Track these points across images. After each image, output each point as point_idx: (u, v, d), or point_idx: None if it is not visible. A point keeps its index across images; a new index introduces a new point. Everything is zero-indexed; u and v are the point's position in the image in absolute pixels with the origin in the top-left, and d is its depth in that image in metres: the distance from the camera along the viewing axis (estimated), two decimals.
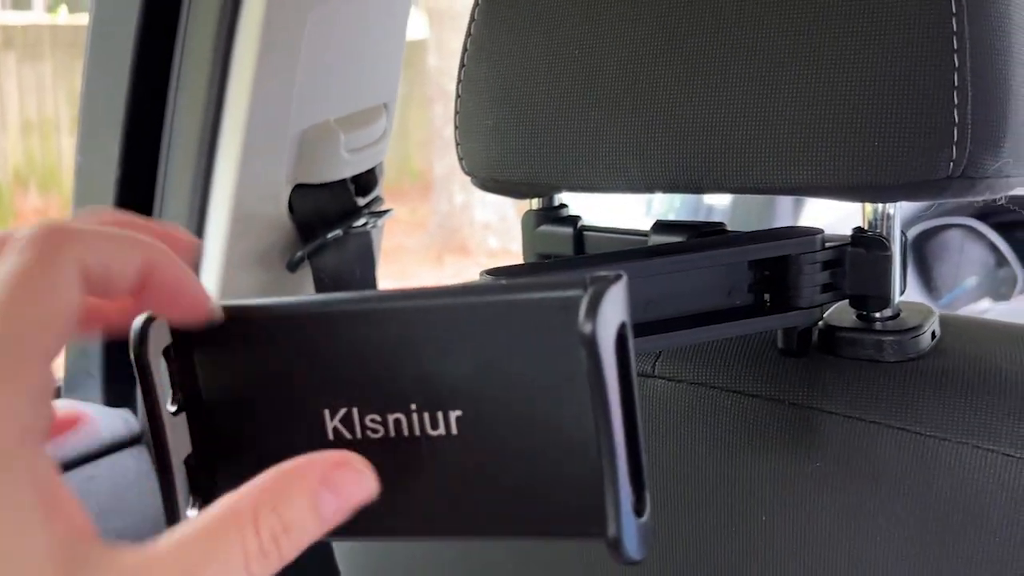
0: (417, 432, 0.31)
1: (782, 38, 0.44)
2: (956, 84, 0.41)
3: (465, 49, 0.55)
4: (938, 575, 0.43)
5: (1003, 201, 0.48)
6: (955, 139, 0.41)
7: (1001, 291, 1.71)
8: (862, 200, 0.46)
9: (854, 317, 0.48)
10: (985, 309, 1.60)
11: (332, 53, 0.69)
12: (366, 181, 0.79)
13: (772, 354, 0.48)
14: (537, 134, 0.51)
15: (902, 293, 0.48)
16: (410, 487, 0.31)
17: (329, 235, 0.72)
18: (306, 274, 0.74)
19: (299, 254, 0.72)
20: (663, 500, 0.50)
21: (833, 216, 1.70)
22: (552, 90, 0.51)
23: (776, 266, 0.47)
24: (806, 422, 0.46)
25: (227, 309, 0.31)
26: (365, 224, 0.72)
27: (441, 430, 0.30)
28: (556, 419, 0.29)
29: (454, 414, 0.30)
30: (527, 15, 0.51)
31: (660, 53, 0.47)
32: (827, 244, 0.47)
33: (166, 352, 0.31)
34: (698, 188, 0.48)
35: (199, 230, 0.70)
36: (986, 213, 1.69)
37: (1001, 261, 1.75)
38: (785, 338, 0.48)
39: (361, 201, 0.77)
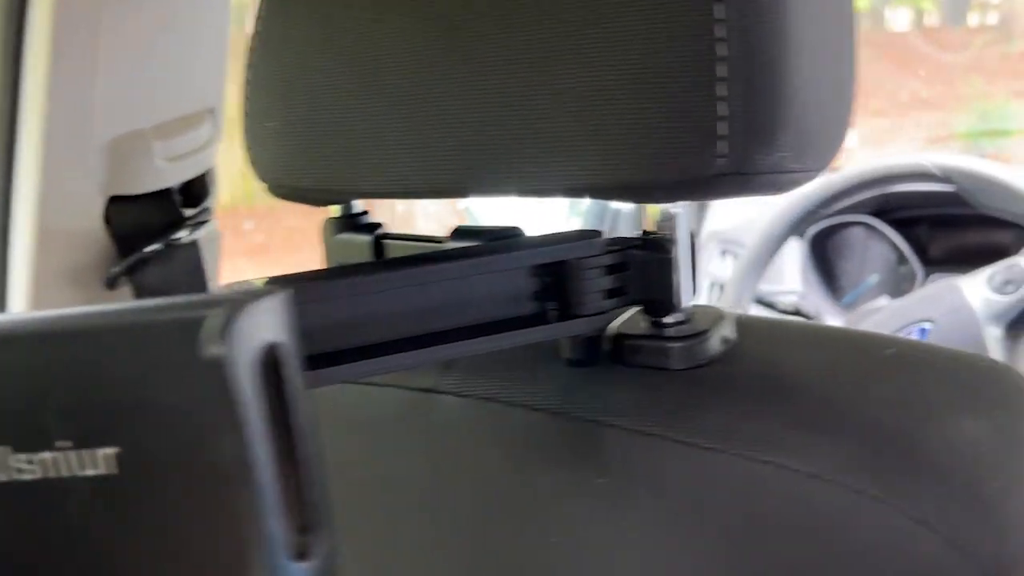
0: (68, 473, 0.27)
1: (552, 35, 0.41)
2: (722, 76, 0.39)
3: (252, 47, 0.51)
4: None
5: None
6: (722, 134, 0.39)
7: (902, 288, 1.71)
8: (638, 201, 0.43)
9: (645, 324, 0.46)
10: (880, 307, 1.60)
11: (139, 57, 0.66)
12: (198, 191, 0.75)
13: (559, 366, 0.46)
14: (322, 137, 0.48)
15: (693, 296, 0.46)
16: (64, 532, 0.27)
17: (147, 249, 0.68)
18: (127, 292, 0.70)
19: (114, 270, 0.68)
20: (455, 521, 0.47)
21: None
22: (336, 90, 0.48)
23: (558, 272, 0.44)
24: (590, 436, 0.43)
25: None
26: (185, 236, 0.68)
27: (94, 469, 0.27)
28: (213, 453, 0.26)
29: (108, 451, 0.27)
30: (312, 9, 0.48)
31: (441, 51, 0.44)
32: (611, 248, 0.44)
33: None
34: (478, 192, 0.45)
35: (2, 247, 0.66)
36: (885, 210, 1.69)
37: (902, 258, 1.76)
38: (571, 348, 0.45)
39: (190, 212, 0.73)
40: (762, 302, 1.63)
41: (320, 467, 0.27)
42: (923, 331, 1.32)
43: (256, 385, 0.25)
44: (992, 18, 3.77)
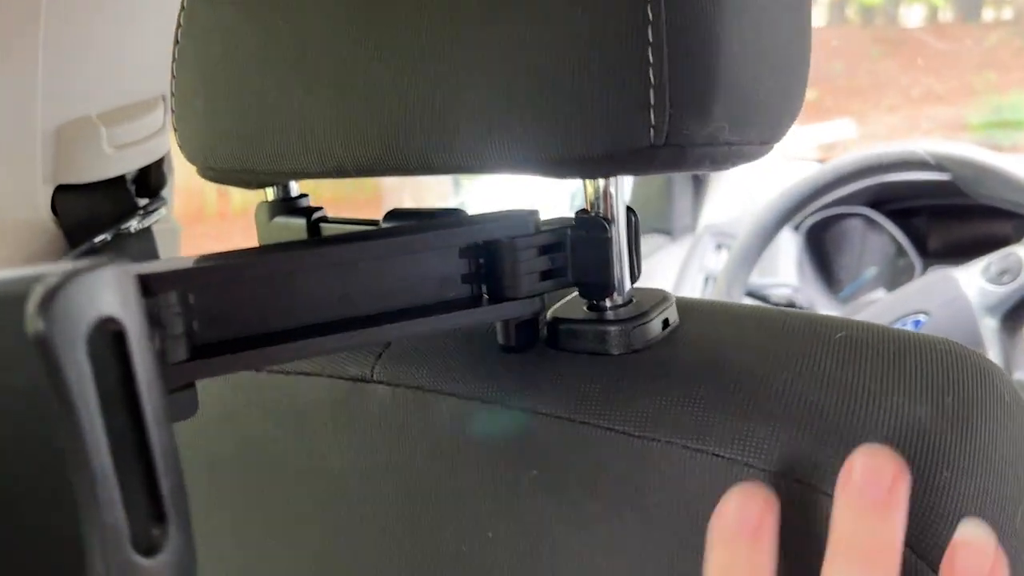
0: None
1: (476, 3, 0.39)
2: (650, 40, 0.37)
3: (179, 24, 0.49)
4: None
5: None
6: (652, 102, 0.37)
7: (901, 281, 1.68)
8: (570, 176, 0.41)
9: (584, 308, 0.43)
10: (875, 300, 1.57)
11: (85, 41, 0.64)
12: (155, 180, 0.73)
13: (495, 353, 0.44)
14: (247, 116, 0.46)
15: (635, 279, 0.44)
16: None
17: (97, 239, 0.66)
18: None
19: (62, 261, 0.66)
20: (387, 515, 0.45)
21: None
22: (260, 67, 0.45)
23: (490, 253, 0.42)
24: (519, 426, 0.41)
25: None
26: (133, 224, 0.66)
27: None
28: (50, 438, 0.24)
29: None
30: None
31: (364, 22, 0.42)
32: (545, 227, 0.42)
33: None
34: (406, 170, 0.43)
35: None
36: (882, 201, 1.66)
37: (900, 251, 1.73)
38: (504, 333, 0.43)
39: (144, 202, 0.71)
40: (755, 295, 1.60)
41: (174, 454, 0.25)
42: (917, 323, 1.30)
43: (87, 363, 0.22)
44: (1007, 13, 3.73)
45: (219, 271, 0.37)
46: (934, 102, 3.31)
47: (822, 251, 1.75)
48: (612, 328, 0.42)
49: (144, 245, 0.69)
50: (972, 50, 3.46)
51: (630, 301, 0.43)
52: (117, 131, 0.66)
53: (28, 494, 0.24)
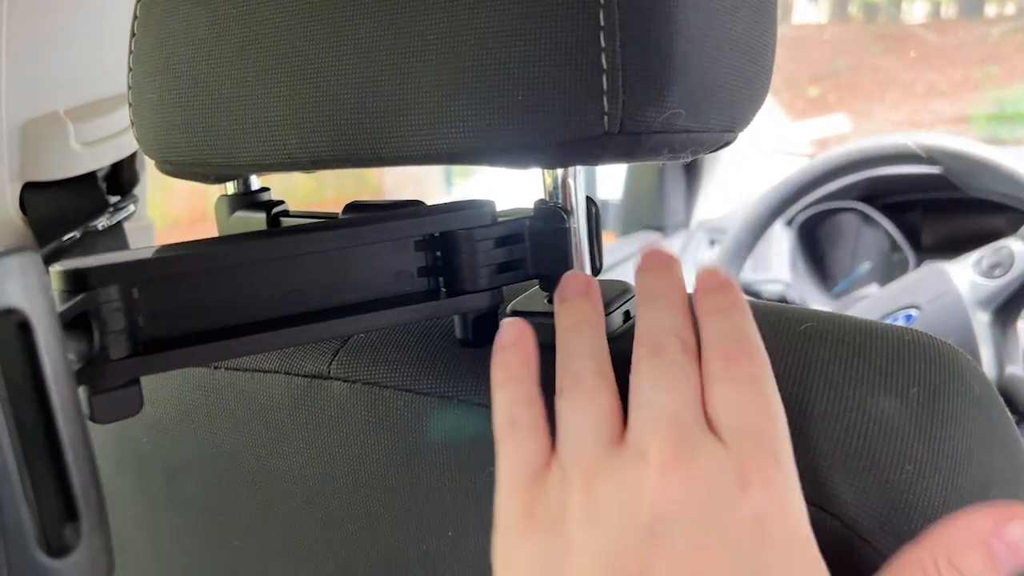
0: None
1: None
2: (602, 24, 0.36)
3: (135, 16, 0.48)
4: None
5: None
6: (605, 89, 0.36)
7: (894, 276, 1.67)
8: (525, 166, 0.40)
9: (546, 300, 0.43)
10: (867, 294, 1.56)
11: (50, 38, 0.63)
12: (128, 178, 0.72)
13: (452, 348, 0.43)
14: (200, 109, 0.45)
15: (597, 271, 0.43)
16: None
17: (65, 237, 0.65)
18: None
19: None
20: (345, 512, 0.44)
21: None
22: (214, 57, 0.45)
23: (447, 245, 0.41)
24: (476, 422, 0.40)
25: None
26: (101, 222, 0.65)
27: None
28: None
29: None
30: None
31: (313, 11, 0.41)
32: (502, 218, 0.41)
33: None
34: (359, 161, 0.42)
35: None
36: (875, 195, 1.65)
37: (895, 245, 1.72)
38: (462, 327, 0.42)
39: (115, 199, 0.70)
40: (747, 290, 1.59)
41: (87, 450, 0.24)
42: (909, 317, 1.28)
43: None
44: (1009, 8, 3.71)
45: (164, 264, 0.36)
46: (937, 97, 3.30)
47: (815, 246, 1.74)
48: None
49: (115, 243, 0.69)
50: (974, 45, 3.45)
51: None
52: (85, 127, 0.65)
53: None
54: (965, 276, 1.26)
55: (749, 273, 1.61)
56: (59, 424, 0.23)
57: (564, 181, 0.41)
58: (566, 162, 0.40)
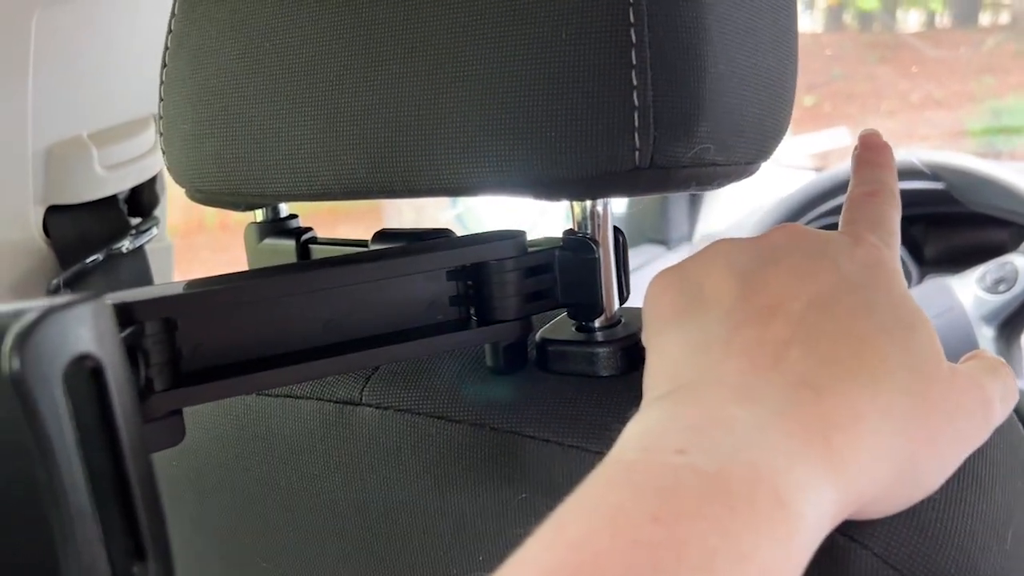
0: None
1: (459, 24, 0.39)
2: (634, 62, 0.37)
3: (166, 47, 0.49)
4: None
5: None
6: (637, 125, 0.37)
7: None
8: (557, 198, 0.41)
9: (573, 329, 0.43)
10: None
11: (76, 62, 0.64)
12: (148, 200, 0.73)
13: (483, 375, 0.43)
14: (233, 139, 0.46)
15: (624, 299, 0.43)
16: None
17: (88, 259, 0.66)
18: None
19: (54, 282, 0.66)
20: (376, 538, 0.45)
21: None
22: (246, 90, 0.45)
23: (478, 275, 0.42)
24: (508, 449, 0.41)
25: None
26: (125, 245, 0.66)
27: None
28: (26, 475, 0.24)
29: None
30: (226, 7, 0.46)
31: (347, 43, 0.42)
32: (532, 248, 0.42)
33: None
34: (392, 193, 0.43)
35: None
36: None
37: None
38: (493, 355, 0.43)
39: (136, 222, 0.71)
40: None
41: (154, 488, 0.25)
42: None
43: (63, 401, 0.22)
44: (1004, 17, 3.73)
45: (204, 298, 0.37)
46: (933, 107, 3.31)
47: None
48: (601, 350, 0.41)
49: (136, 264, 0.69)
50: (970, 55, 3.46)
51: (619, 322, 0.43)
52: (109, 151, 0.66)
53: (5, 529, 0.24)
54: (969, 291, 1.27)
55: None
56: (128, 465, 0.24)
57: (592, 211, 0.42)
58: (596, 195, 0.41)
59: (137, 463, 0.24)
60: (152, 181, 0.72)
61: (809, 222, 1.60)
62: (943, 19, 3.86)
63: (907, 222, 1.66)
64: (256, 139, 0.45)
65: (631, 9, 0.36)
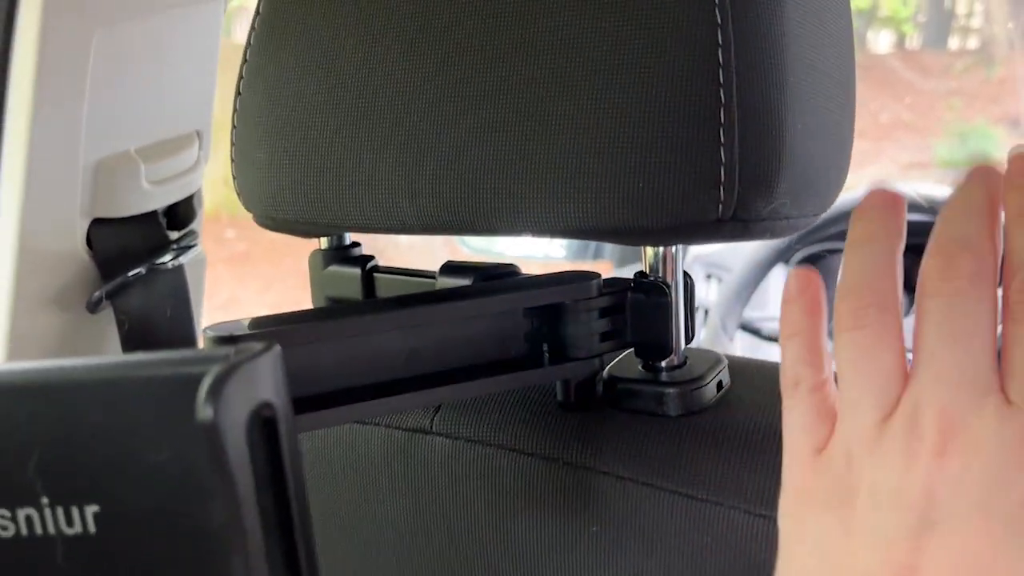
0: (51, 530, 0.26)
1: (550, 70, 0.41)
2: (723, 121, 0.38)
3: (241, 76, 0.50)
4: None
5: None
6: (722, 180, 0.39)
7: None
8: (634, 243, 0.43)
9: (639, 367, 0.45)
10: None
11: (129, 79, 0.64)
12: (184, 214, 0.74)
13: (553, 409, 0.45)
14: (311, 170, 0.47)
15: (690, 340, 0.45)
16: None
17: (130, 273, 0.67)
18: (110, 315, 0.68)
19: (96, 294, 0.66)
20: (442, 565, 0.46)
21: None
22: (327, 123, 0.47)
23: (552, 314, 0.43)
24: (581, 483, 0.42)
25: None
26: (169, 260, 0.67)
27: (77, 528, 0.26)
28: (199, 515, 0.25)
29: (90, 509, 0.26)
30: (305, 42, 0.47)
31: (433, 85, 0.44)
32: (605, 290, 0.44)
33: None
34: (471, 229, 0.44)
35: None
36: None
37: None
38: (564, 391, 0.44)
39: (175, 236, 0.72)
40: (746, 328, 1.62)
41: (310, 530, 0.26)
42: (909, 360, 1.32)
43: (246, 447, 0.24)
44: (972, 42, 3.81)
45: (308, 332, 0.39)
46: (902, 129, 3.37)
47: None
48: (671, 390, 0.43)
49: (175, 278, 0.70)
50: (939, 77, 3.52)
51: (685, 362, 0.45)
52: (155, 166, 0.67)
53: (161, 567, 0.25)
54: None
55: (747, 311, 1.64)
56: (293, 506, 0.25)
57: (666, 255, 0.44)
58: (675, 242, 0.42)
59: (300, 504, 0.25)
60: (190, 196, 0.73)
61: (803, 247, 1.63)
62: (913, 41, 3.93)
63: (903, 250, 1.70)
64: (335, 171, 0.46)
65: (721, 70, 0.38)
